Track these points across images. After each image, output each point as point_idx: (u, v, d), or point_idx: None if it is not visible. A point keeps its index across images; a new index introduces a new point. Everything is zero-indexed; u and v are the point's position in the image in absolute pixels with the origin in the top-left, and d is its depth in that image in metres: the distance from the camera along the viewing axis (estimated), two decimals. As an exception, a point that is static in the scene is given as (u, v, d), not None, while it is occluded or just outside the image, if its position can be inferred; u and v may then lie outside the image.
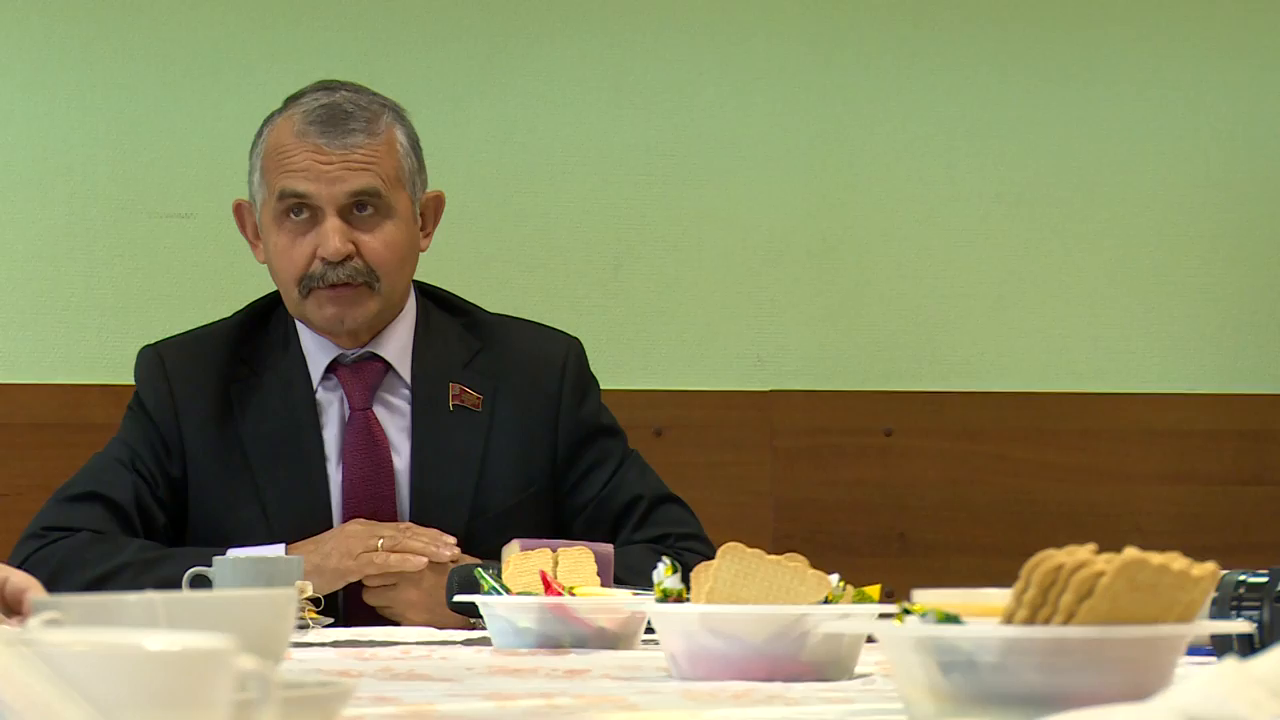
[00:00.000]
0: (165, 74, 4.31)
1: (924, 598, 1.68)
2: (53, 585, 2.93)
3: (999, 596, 1.62)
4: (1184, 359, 4.66)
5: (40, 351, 4.26)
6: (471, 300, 3.52)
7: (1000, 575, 1.72)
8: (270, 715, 1.05)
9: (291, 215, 3.31)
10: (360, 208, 3.32)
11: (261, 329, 3.43)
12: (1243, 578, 2.01)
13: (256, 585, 2.70)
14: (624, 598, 2.56)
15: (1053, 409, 4.59)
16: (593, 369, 3.50)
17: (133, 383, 3.43)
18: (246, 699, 1.05)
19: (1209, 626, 1.72)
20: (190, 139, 4.28)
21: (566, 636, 2.52)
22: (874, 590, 2.13)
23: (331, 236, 3.28)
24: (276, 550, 3.17)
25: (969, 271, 4.59)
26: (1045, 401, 4.59)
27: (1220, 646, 1.95)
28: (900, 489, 4.53)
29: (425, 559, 3.16)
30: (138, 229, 4.29)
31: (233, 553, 3.01)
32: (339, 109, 3.34)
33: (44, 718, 0.32)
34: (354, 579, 3.18)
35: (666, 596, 2.15)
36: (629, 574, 2.83)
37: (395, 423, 3.38)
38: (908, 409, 4.55)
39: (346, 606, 3.20)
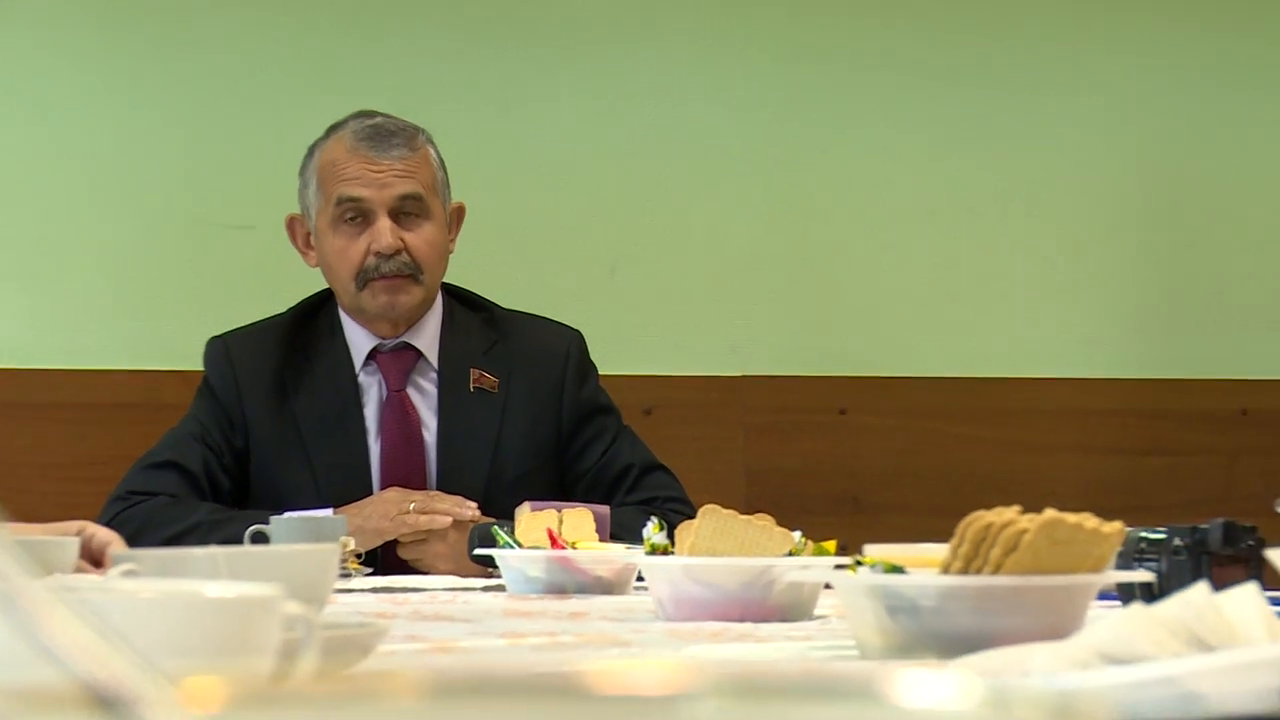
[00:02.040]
0: (232, 108, 4.31)
1: (873, 551, 1.67)
2: (135, 542, 2.92)
3: (937, 551, 1.62)
4: (1093, 350, 4.65)
5: (124, 343, 4.26)
6: (489, 298, 3.51)
7: (939, 533, 1.71)
8: (313, 653, 1.04)
9: (347, 219, 3.32)
10: (406, 211, 3.32)
11: (312, 322, 3.42)
12: (1144, 534, 2.00)
13: (307, 541, 2.69)
14: (618, 551, 2.55)
15: (982, 391, 4.58)
16: (592, 357, 3.49)
17: (202, 369, 3.43)
18: (293, 638, 1.04)
19: (1116, 576, 1.71)
20: (252, 163, 4.27)
21: (570, 584, 2.51)
22: (830, 545, 2.12)
23: (385, 233, 3.29)
24: (325, 512, 3.16)
25: (911, 275, 4.58)
26: (976, 385, 4.58)
27: (1126, 594, 1.94)
28: (853, 459, 4.52)
29: (450, 519, 3.16)
30: (207, 238, 4.29)
31: (287, 515, 3.00)
32: (384, 128, 3.35)
33: (91, 660, 0.31)
34: (391, 537, 3.19)
35: (655, 550, 2.15)
36: (623, 531, 2.83)
37: (425, 402, 3.37)
38: (859, 391, 4.54)
39: (384, 559, 3.19)
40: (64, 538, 2.11)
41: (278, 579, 1.08)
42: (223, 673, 0.36)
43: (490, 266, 4.06)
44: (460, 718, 0.39)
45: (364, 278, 3.31)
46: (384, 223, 3.30)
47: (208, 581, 1.04)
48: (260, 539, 2.79)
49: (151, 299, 4.27)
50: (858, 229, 4.56)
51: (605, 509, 2.76)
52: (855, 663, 1.56)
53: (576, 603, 2.35)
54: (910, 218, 4.58)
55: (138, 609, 0.96)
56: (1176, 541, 1.98)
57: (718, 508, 2.10)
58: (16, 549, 0.36)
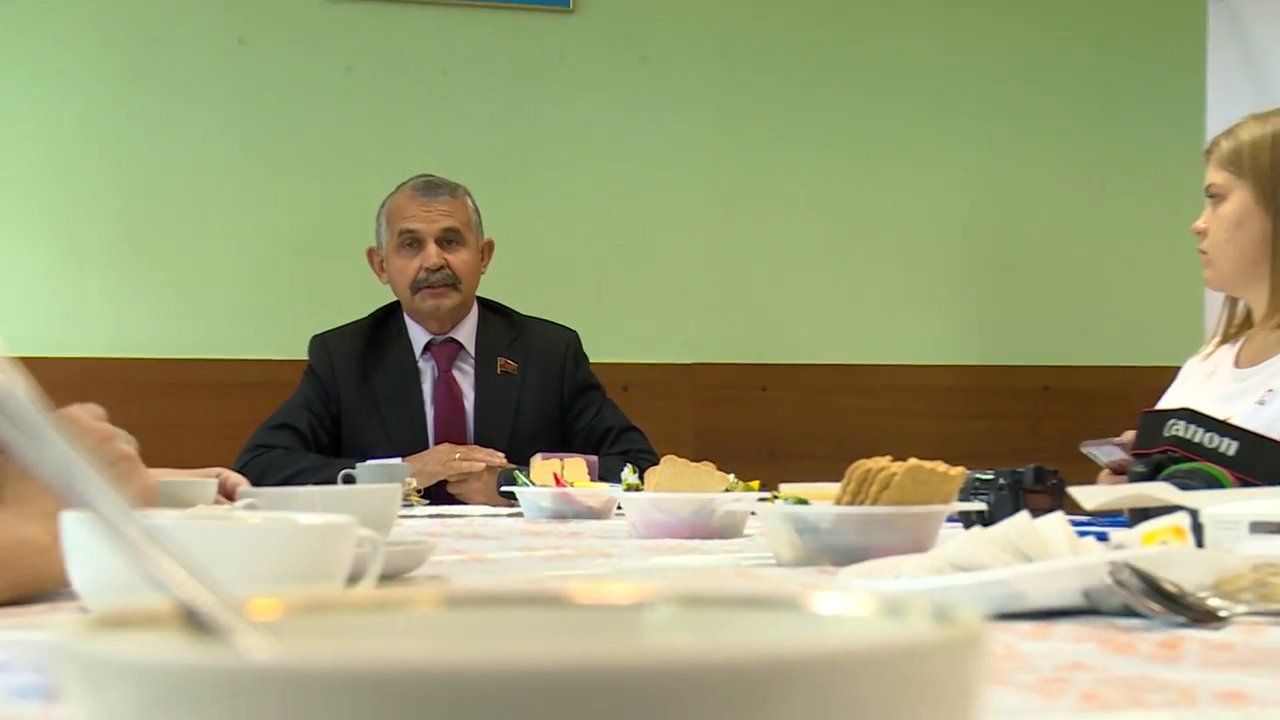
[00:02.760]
0: (329, 171, 4.28)
1: (786, 489, 1.65)
2: (259, 482, 2.89)
3: (832, 488, 1.60)
4: (940, 344, 4.64)
5: (252, 339, 4.23)
6: (511, 306, 3.51)
7: (833, 475, 1.68)
8: (378, 564, 1.01)
9: (406, 245, 3.35)
10: (448, 239, 3.36)
11: (384, 325, 3.43)
12: (977, 476, 1.98)
13: (383, 482, 2.66)
14: (604, 488, 2.53)
15: (863, 374, 4.57)
16: (585, 349, 3.48)
17: (307, 358, 3.41)
18: (364, 553, 1.01)
19: (959, 506, 1.69)
20: (343, 210, 4.24)
21: (569, 512, 2.49)
22: (755, 484, 2.10)
23: (432, 255, 3.33)
24: (395, 460, 3.14)
25: (814, 291, 4.57)
26: (859, 369, 4.57)
27: (966, 519, 1.92)
28: (772, 423, 4.50)
29: (484, 465, 3.15)
30: (311, 264, 4.26)
31: (369, 462, 2.98)
32: (433, 182, 3.41)
33: (181, 584, 0.28)
34: (442, 478, 3.17)
35: (630, 488, 2.13)
36: (607, 474, 2.81)
37: (465, 381, 3.37)
38: (777, 374, 4.53)
39: (437, 494, 3.17)
40: (206, 479, 2.10)
41: (357, 511, 1.06)
42: (281, 591, 0.33)
43: (512, 285, 4.03)
44: (472, 623, 0.36)
45: (417, 287, 3.34)
46: (431, 247, 3.34)
47: (304, 513, 1.01)
48: (350, 480, 2.77)
49: (271, 308, 4.24)
50: (776, 258, 4.55)
51: (595, 458, 2.75)
52: (781, 579, 1.54)
53: (574, 525, 2.33)
54: (814, 249, 4.56)
55: (251, 533, 0.93)
56: (1000, 481, 1.96)
57: (675, 457, 2.08)
58: (122, 497, 0.33)
